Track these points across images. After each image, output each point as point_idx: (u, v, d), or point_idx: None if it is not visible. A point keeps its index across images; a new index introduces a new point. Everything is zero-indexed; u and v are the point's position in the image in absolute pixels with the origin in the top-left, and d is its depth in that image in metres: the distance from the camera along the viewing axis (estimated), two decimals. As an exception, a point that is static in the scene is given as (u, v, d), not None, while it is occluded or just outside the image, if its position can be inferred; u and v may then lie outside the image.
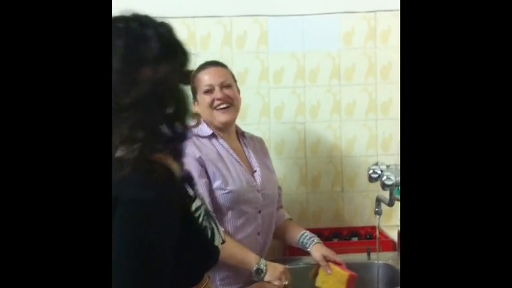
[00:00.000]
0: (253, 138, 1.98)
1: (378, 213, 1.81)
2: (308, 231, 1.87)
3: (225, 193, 1.70)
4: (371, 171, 1.76)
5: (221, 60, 2.30)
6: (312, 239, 1.84)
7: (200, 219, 1.02)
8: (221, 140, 1.80)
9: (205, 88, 1.78)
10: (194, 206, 1.01)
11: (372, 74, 2.39)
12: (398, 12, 0.78)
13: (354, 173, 2.41)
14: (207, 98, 1.78)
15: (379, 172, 1.73)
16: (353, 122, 2.41)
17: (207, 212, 1.07)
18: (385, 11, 2.34)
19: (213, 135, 1.79)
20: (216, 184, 1.70)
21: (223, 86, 1.79)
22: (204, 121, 1.77)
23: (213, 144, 1.78)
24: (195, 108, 1.75)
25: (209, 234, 1.04)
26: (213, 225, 1.08)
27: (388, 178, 1.64)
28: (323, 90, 2.39)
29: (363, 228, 2.33)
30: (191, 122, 1.05)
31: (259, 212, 1.78)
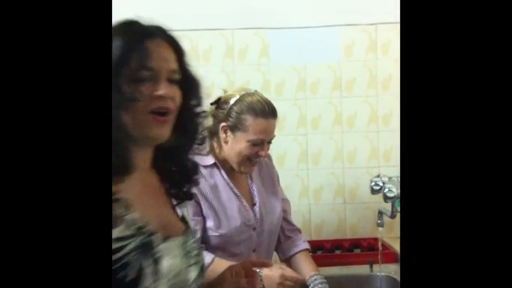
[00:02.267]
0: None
1: (380, 225, 1.81)
2: (318, 275, 1.69)
3: (216, 236, 1.60)
4: (373, 183, 1.77)
5: (222, 73, 2.31)
6: (320, 286, 1.65)
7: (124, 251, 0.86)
8: (222, 171, 1.66)
9: (256, 141, 1.60)
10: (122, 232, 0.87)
11: (373, 86, 2.40)
12: (399, 25, 0.79)
13: (356, 184, 2.41)
14: (250, 149, 1.60)
15: (381, 184, 1.74)
16: (354, 133, 2.41)
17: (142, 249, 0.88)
18: (385, 23, 2.36)
19: (214, 165, 1.66)
20: (209, 224, 1.60)
21: (270, 142, 1.65)
22: (211, 153, 1.65)
23: (212, 176, 1.65)
24: (221, 136, 1.62)
25: (128, 274, 0.85)
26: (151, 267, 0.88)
27: (389, 190, 1.64)
28: (324, 102, 2.40)
29: (365, 240, 2.33)
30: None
31: (254, 251, 1.68)
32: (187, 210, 1.13)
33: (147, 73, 0.92)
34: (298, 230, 1.87)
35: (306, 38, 2.38)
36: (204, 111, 1.05)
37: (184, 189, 1.07)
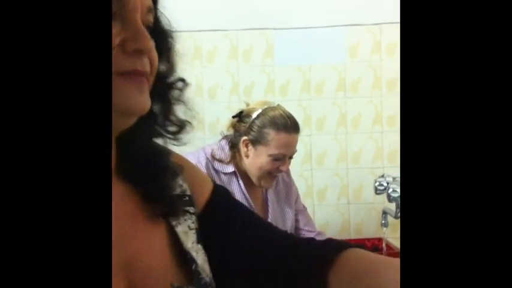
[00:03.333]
0: None
1: (385, 225, 1.81)
2: None
3: None
4: (377, 183, 1.77)
5: (227, 74, 2.31)
6: None
7: None
8: (241, 181, 1.66)
9: (277, 156, 1.60)
10: None
11: (378, 87, 2.41)
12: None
13: (360, 185, 2.41)
14: (272, 164, 1.61)
15: (385, 184, 1.74)
16: (359, 134, 2.41)
17: None
18: (390, 23, 2.36)
19: (233, 174, 1.66)
20: None
21: (291, 157, 1.67)
22: (233, 162, 1.65)
23: (231, 183, 1.65)
24: (242, 149, 1.62)
25: None
26: None
27: (394, 190, 1.65)
28: (329, 102, 2.40)
29: (369, 240, 2.33)
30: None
31: None
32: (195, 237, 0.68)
33: (115, 8, 0.55)
34: (320, 234, 1.87)
35: (311, 39, 2.38)
36: (181, 80, 0.68)
37: (165, 198, 0.65)
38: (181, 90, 0.68)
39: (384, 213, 1.81)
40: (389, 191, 1.67)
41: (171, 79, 0.67)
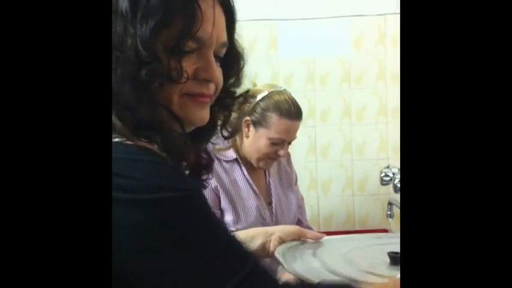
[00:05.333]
0: None
1: (390, 216, 1.81)
2: None
3: (232, 231, 1.56)
4: (383, 174, 1.77)
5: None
6: None
7: None
8: (243, 167, 1.66)
9: (277, 140, 1.60)
10: None
11: (382, 78, 2.40)
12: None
13: (365, 176, 2.41)
14: (270, 148, 1.61)
15: (391, 175, 1.74)
16: (363, 125, 2.41)
17: None
18: (394, 14, 2.35)
19: (236, 161, 1.66)
20: (227, 219, 1.58)
21: (290, 142, 1.66)
22: (233, 147, 1.64)
23: (233, 170, 1.65)
24: (244, 129, 1.62)
25: None
26: None
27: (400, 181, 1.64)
28: (333, 94, 2.39)
29: (374, 231, 2.33)
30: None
31: None
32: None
33: (194, 45, 0.69)
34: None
35: (315, 30, 2.37)
36: (242, 95, 0.85)
37: None
38: (240, 104, 0.85)
39: (390, 204, 1.81)
40: (395, 182, 1.66)
41: (235, 95, 0.83)
